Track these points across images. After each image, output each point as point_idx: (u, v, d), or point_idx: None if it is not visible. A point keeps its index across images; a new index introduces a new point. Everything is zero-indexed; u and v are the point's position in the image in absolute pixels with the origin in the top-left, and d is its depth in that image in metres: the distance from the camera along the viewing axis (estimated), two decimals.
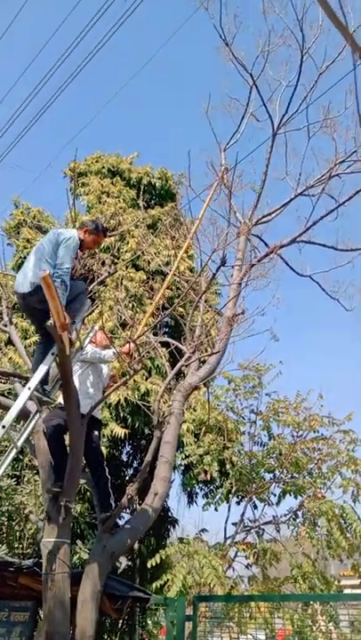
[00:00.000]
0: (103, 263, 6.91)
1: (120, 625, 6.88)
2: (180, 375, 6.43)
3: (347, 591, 8.74)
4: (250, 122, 7.56)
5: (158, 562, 7.03)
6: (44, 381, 3.96)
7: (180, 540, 8.64)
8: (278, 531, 8.08)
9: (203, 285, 6.55)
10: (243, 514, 8.15)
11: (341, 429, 8.34)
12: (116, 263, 9.37)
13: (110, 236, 7.98)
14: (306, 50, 6.93)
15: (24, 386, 3.89)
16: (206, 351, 6.13)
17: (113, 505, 4.47)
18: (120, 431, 8.62)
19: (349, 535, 7.17)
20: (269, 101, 7.30)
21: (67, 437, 4.35)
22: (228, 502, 8.51)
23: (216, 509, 8.57)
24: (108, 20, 6.77)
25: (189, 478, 8.99)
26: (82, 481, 5.02)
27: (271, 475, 8.41)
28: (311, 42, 6.97)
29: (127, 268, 10.45)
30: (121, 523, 4.93)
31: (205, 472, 8.45)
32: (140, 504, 4.85)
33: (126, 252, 10.63)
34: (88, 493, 8.09)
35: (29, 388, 3.71)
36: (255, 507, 8.34)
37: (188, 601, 5.24)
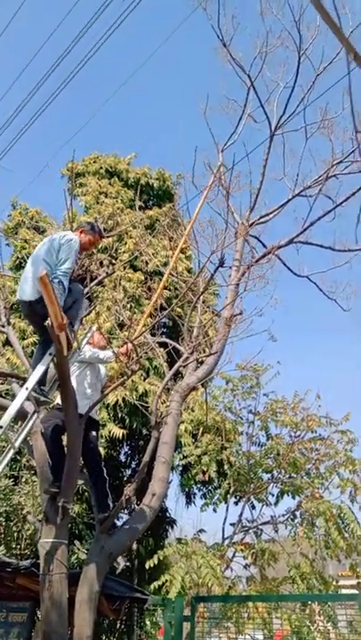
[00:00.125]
0: (101, 264, 6.90)
1: (118, 625, 6.89)
2: (177, 376, 6.43)
3: (345, 591, 8.74)
4: (247, 123, 7.57)
5: (156, 562, 7.03)
6: (41, 382, 3.96)
7: (179, 540, 8.66)
8: (276, 531, 8.09)
9: (201, 286, 6.55)
10: (241, 514, 8.16)
11: (339, 430, 8.35)
12: (114, 264, 9.36)
13: (108, 237, 7.98)
14: (303, 51, 6.94)
15: (22, 386, 3.89)
16: (204, 352, 6.13)
17: (111, 505, 4.46)
18: (118, 432, 8.63)
19: (347, 535, 7.17)
20: (267, 102, 7.30)
21: (64, 438, 4.35)
22: (226, 502, 8.51)
23: (214, 510, 8.57)
24: (106, 19, 6.79)
25: (187, 479, 8.99)
26: (80, 481, 5.02)
27: (269, 475, 8.41)
28: (308, 43, 6.98)
29: (125, 268, 10.46)
30: (119, 523, 4.93)
31: (203, 472, 8.45)
32: (138, 504, 4.85)
33: (124, 252, 10.65)
34: (86, 494, 8.09)
35: (27, 389, 3.71)
36: (253, 507, 8.34)
37: (186, 601, 5.24)
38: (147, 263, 10.33)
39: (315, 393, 8.67)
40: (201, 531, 8.95)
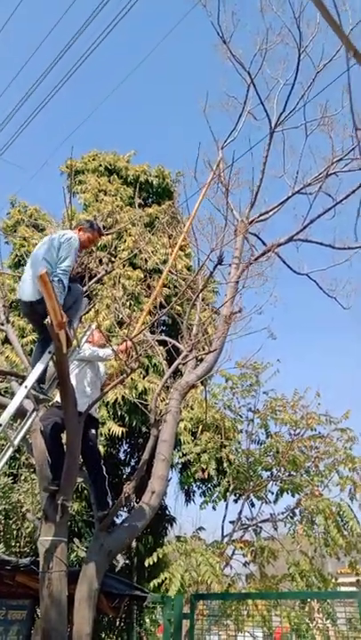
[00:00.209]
0: (100, 261, 6.89)
1: (118, 623, 6.89)
2: (177, 373, 6.42)
3: (344, 589, 8.78)
4: (247, 120, 7.54)
5: (156, 560, 7.05)
6: (41, 380, 3.95)
7: (178, 538, 8.66)
8: (276, 529, 8.11)
9: (200, 284, 6.54)
10: (240, 512, 8.17)
11: (339, 427, 8.37)
12: (114, 261, 9.34)
13: (107, 235, 7.95)
14: (303, 48, 6.91)
15: (21, 384, 3.88)
16: (203, 349, 6.12)
17: (110, 503, 4.46)
18: (117, 429, 8.63)
19: (346, 533, 7.20)
20: (267, 99, 7.28)
21: (64, 436, 4.35)
22: (225, 500, 8.53)
23: (214, 507, 8.59)
24: (105, 16, 6.76)
25: (187, 476, 9.00)
26: (79, 479, 5.02)
27: (269, 473, 8.42)
28: (308, 40, 6.96)
29: (124, 266, 10.44)
30: (118, 521, 4.93)
31: (203, 470, 8.46)
32: (137, 502, 4.84)
33: (123, 250, 10.62)
34: (85, 492, 8.09)
35: (26, 387, 3.71)
36: (253, 505, 8.36)
37: (185, 599, 5.25)
38: (146, 261, 10.30)
39: (314, 391, 8.70)
40: (200, 528, 8.97)
